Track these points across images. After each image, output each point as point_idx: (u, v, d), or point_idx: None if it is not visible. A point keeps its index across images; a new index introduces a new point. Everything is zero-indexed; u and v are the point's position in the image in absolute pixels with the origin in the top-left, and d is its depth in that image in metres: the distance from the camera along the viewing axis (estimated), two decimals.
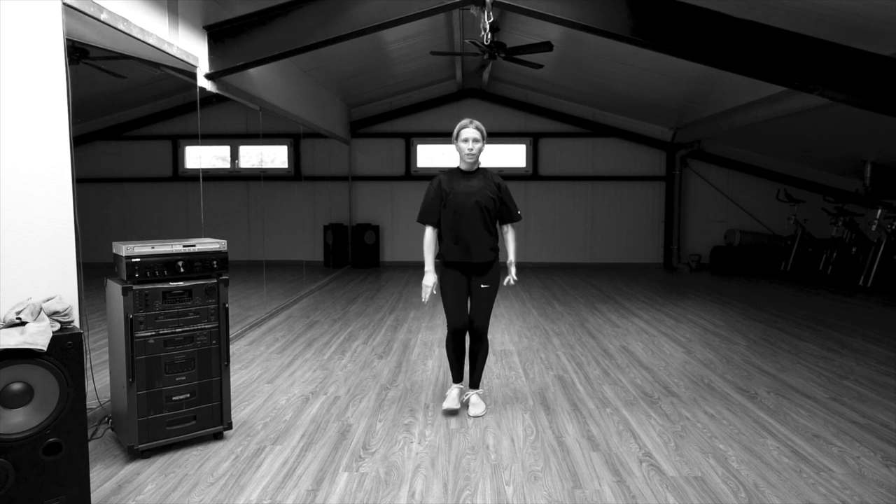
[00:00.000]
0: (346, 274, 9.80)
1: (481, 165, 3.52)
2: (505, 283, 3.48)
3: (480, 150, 3.41)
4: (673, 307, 6.90)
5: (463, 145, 3.39)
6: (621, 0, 4.32)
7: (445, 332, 3.55)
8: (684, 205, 10.73)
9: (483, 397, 3.66)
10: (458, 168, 3.49)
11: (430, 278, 3.41)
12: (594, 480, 2.65)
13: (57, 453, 2.18)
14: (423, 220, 3.45)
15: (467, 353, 3.59)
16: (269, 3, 4.58)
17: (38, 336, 2.16)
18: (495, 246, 3.46)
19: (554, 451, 2.95)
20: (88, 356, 2.81)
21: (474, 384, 3.59)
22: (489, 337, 3.67)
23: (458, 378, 3.60)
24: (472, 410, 3.48)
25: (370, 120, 10.72)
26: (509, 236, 3.56)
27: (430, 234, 3.46)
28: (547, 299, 7.38)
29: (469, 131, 3.37)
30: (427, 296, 3.40)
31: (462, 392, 3.58)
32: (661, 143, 10.56)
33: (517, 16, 6.65)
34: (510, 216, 3.51)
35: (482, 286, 3.43)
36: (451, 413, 3.47)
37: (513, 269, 3.54)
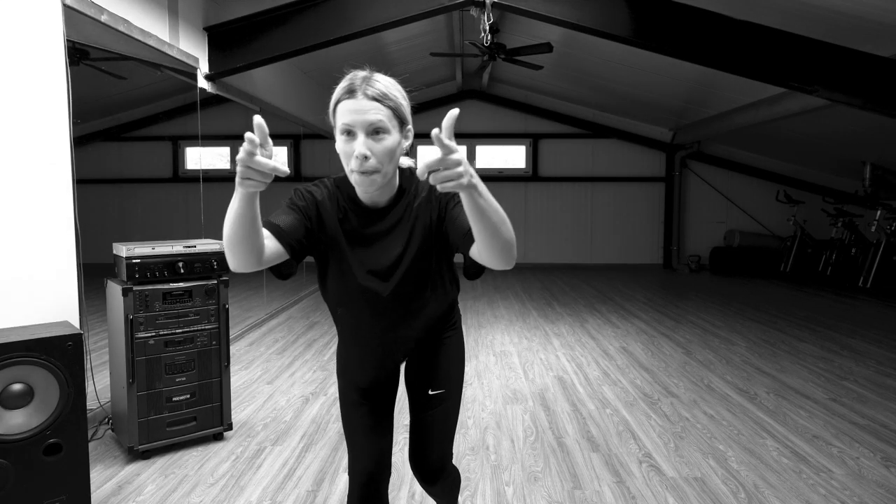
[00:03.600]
0: None
1: (406, 173, 1.54)
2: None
3: (391, 152, 1.37)
4: (672, 308, 6.90)
5: (345, 147, 1.37)
6: (621, 1, 4.33)
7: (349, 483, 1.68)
8: (684, 206, 10.73)
9: None
10: (353, 192, 1.51)
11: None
12: (594, 481, 2.65)
13: (57, 454, 2.18)
14: (227, 253, 1.30)
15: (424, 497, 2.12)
16: (269, 5, 4.59)
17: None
18: (448, 312, 1.65)
19: (554, 452, 2.95)
20: (89, 357, 2.81)
21: None
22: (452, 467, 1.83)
23: None
24: None
25: None
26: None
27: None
28: (547, 300, 7.38)
29: (355, 103, 1.34)
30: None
31: None
32: (660, 145, 10.56)
33: (517, 17, 6.66)
34: (462, 241, 1.36)
35: (431, 392, 1.66)
36: None
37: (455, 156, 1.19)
